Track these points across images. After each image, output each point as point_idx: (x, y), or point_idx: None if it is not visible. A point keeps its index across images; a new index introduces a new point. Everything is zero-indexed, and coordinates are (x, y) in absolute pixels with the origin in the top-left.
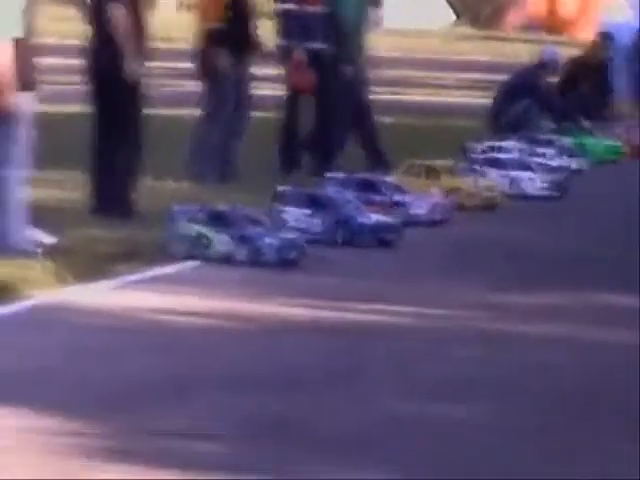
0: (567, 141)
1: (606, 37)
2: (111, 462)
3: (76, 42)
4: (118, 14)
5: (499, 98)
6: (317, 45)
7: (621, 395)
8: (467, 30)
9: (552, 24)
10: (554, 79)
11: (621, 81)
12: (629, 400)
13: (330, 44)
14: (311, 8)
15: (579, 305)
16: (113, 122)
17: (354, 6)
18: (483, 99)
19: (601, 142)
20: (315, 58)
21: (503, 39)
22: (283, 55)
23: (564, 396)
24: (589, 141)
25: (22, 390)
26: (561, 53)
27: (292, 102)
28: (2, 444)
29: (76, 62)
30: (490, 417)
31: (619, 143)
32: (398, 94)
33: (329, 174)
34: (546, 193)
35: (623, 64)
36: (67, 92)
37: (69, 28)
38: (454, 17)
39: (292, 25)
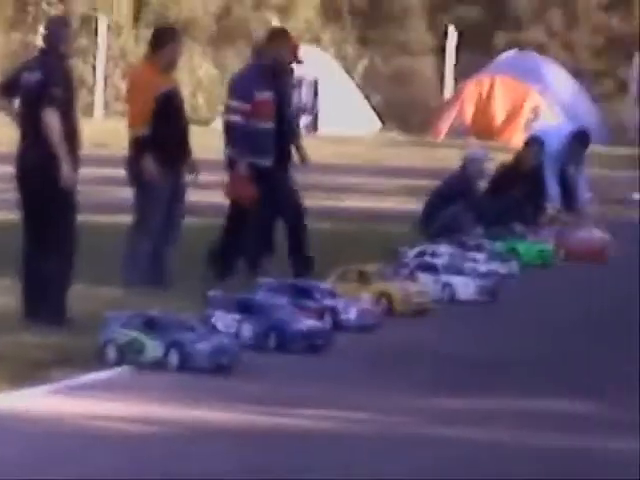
0: (498, 245)
1: (536, 142)
2: None
3: (6, 149)
4: (53, 118)
5: (430, 203)
6: (261, 161)
7: None
8: (397, 136)
9: (482, 130)
10: (484, 184)
11: (552, 186)
12: None
13: (273, 159)
14: (260, 124)
15: (506, 409)
16: (45, 228)
17: (290, 119)
18: (415, 204)
19: (533, 247)
20: (258, 172)
21: (433, 145)
22: (227, 165)
23: None
24: (521, 245)
25: None
26: (485, 155)
27: (231, 211)
28: None
29: (6, 169)
30: None
31: (551, 247)
32: (331, 200)
33: (261, 280)
34: (477, 298)
35: (553, 169)
36: None
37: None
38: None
39: (238, 138)
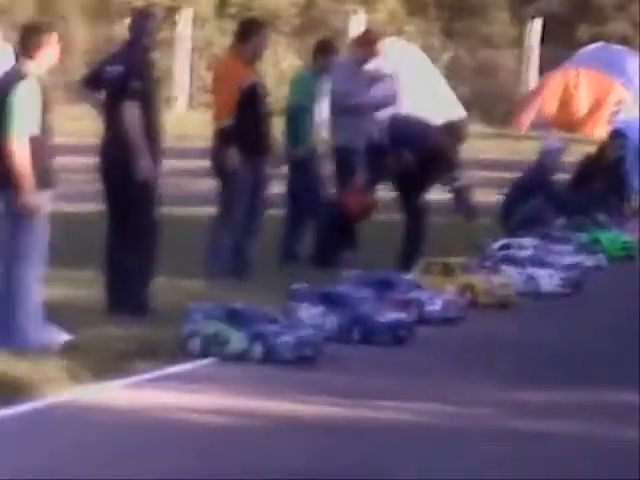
0: (583, 237)
1: (619, 135)
2: None
3: (92, 141)
4: (132, 112)
5: (509, 196)
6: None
7: None
8: (480, 128)
9: (565, 122)
10: (565, 175)
11: (635, 178)
12: None
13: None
14: None
15: (591, 402)
16: (127, 221)
17: None
18: (497, 197)
19: (618, 238)
20: None
21: (516, 137)
22: None
23: None
24: (605, 236)
25: None
26: (561, 147)
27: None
28: None
29: (92, 161)
30: None
31: (635, 239)
32: None
33: (346, 272)
34: (561, 290)
35: (636, 161)
36: (83, 191)
37: (85, 127)
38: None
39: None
